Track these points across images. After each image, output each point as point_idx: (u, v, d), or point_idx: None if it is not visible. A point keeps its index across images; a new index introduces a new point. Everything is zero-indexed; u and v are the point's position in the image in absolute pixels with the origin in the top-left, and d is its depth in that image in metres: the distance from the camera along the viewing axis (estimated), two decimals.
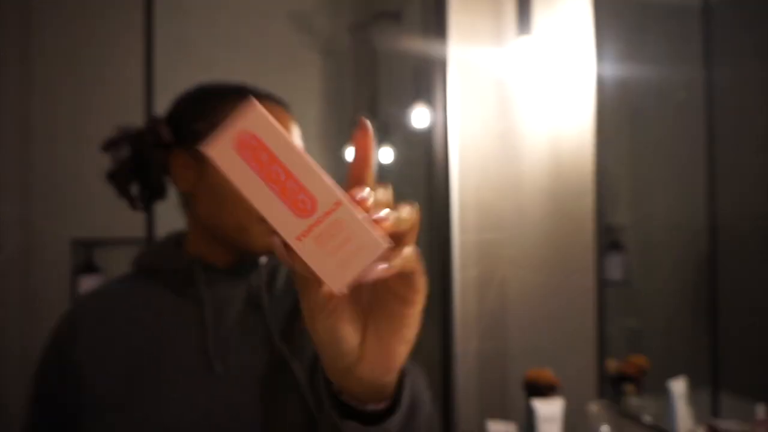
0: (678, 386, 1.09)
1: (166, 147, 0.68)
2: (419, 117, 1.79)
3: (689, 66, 1.13)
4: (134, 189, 0.71)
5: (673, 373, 1.10)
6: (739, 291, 1.05)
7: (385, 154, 2.30)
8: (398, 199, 0.36)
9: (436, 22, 1.69)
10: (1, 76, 1.71)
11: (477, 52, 1.70)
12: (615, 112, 1.31)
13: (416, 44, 1.92)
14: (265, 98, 0.67)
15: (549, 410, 1.20)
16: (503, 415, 1.71)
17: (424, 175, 1.88)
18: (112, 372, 0.62)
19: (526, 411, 1.26)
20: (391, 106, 2.27)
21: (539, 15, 1.49)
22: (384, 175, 2.36)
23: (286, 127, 0.67)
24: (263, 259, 0.71)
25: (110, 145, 0.71)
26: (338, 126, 2.36)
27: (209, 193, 0.66)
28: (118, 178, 0.71)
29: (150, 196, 0.73)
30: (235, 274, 0.69)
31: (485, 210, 1.70)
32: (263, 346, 0.66)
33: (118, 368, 0.62)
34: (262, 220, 0.54)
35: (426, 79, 1.80)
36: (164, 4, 1.52)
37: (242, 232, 0.65)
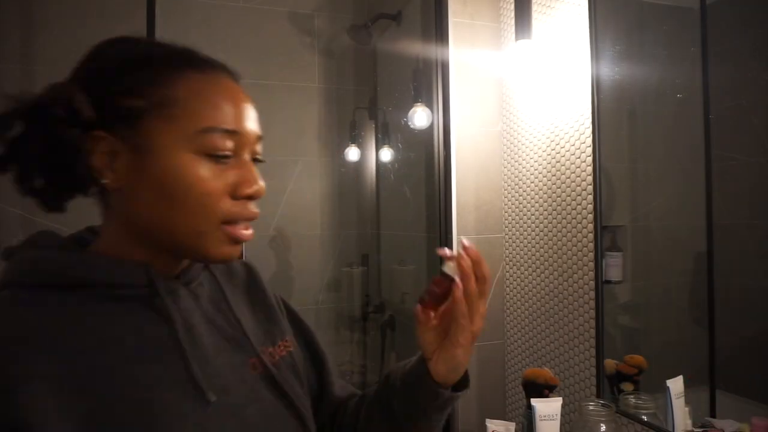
0: (676, 385, 1.09)
1: (82, 125, 0.50)
2: (419, 117, 1.80)
3: (687, 66, 1.13)
4: (38, 182, 0.52)
5: (671, 373, 1.11)
6: (737, 291, 1.05)
7: (385, 154, 2.30)
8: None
9: (435, 24, 1.70)
10: (1, 76, 1.71)
11: (476, 53, 1.70)
12: (614, 112, 1.31)
13: (416, 46, 1.92)
14: (211, 67, 0.55)
15: (548, 409, 1.21)
16: (503, 414, 1.71)
17: (424, 175, 1.88)
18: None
19: (526, 410, 1.27)
20: (391, 106, 2.28)
21: (538, 19, 1.50)
22: (384, 175, 2.37)
23: (238, 98, 0.55)
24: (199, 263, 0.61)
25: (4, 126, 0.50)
26: (338, 126, 2.37)
27: (152, 190, 0.51)
28: (17, 168, 0.51)
29: (64, 191, 0.54)
30: (186, 282, 0.59)
31: (485, 210, 1.71)
32: (242, 363, 0.59)
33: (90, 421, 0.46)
34: (226, 223, 0.53)
35: (426, 80, 1.81)
36: (164, 4, 1.52)
37: (198, 238, 0.52)
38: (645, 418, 1.16)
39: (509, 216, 1.69)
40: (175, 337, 0.53)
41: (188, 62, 0.54)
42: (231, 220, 0.53)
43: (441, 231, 1.68)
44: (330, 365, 0.77)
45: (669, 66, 1.20)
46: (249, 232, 0.55)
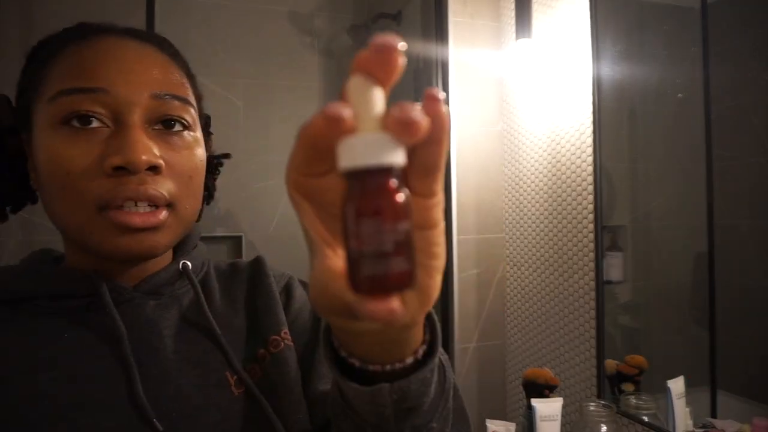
0: (677, 386, 1.09)
1: (9, 132, 0.49)
2: None
3: (687, 66, 1.13)
4: None
5: (672, 373, 1.11)
6: (738, 291, 1.05)
7: None
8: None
9: (435, 24, 1.70)
10: (0, 76, 1.71)
11: (477, 53, 1.70)
12: (614, 112, 1.31)
13: (416, 45, 1.92)
14: (96, 33, 0.48)
15: (548, 410, 1.20)
16: (503, 414, 1.71)
17: None
18: None
19: (526, 410, 1.27)
20: (391, 106, 2.27)
21: (538, 18, 1.49)
22: None
23: (117, 55, 0.46)
24: (181, 264, 0.53)
25: None
26: None
27: (36, 183, 0.47)
28: None
29: (9, 200, 0.52)
30: (148, 291, 0.50)
31: (485, 210, 1.70)
32: (216, 383, 0.49)
33: None
34: (103, 208, 0.43)
35: (426, 80, 1.80)
36: (164, 4, 1.52)
37: (81, 231, 0.45)
38: (646, 418, 1.15)
39: (509, 216, 1.69)
40: (122, 355, 0.45)
41: (70, 37, 0.48)
42: (106, 204, 0.43)
43: None
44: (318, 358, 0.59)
45: (669, 66, 1.20)
46: (138, 215, 0.44)
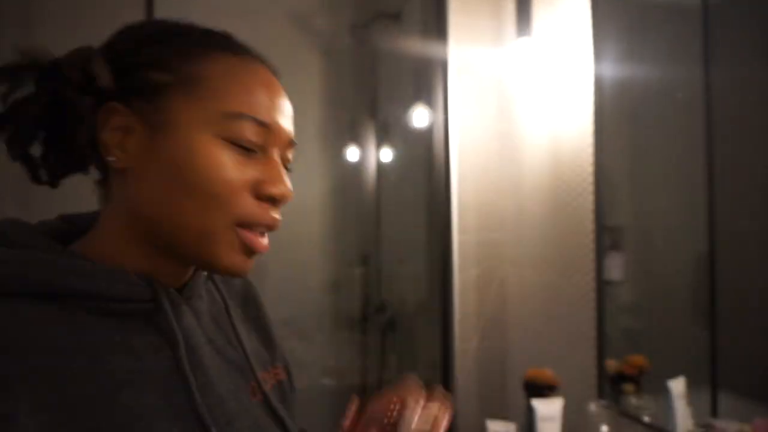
0: (677, 386, 1.09)
1: (97, 95, 0.45)
2: (419, 117, 1.80)
3: (688, 66, 1.13)
4: (36, 150, 0.47)
5: (673, 373, 1.11)
6: (738, 291, 1.05)
7: (385, 154, 2.30)
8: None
9: (435, 23, 1.70)
10: None
11: (477, 52, 1.70)
12: (614, 112, 1.31)
13: (416, 45, 1.92)
14: (248, 53, 0.50)
15: (549, 410, 1.20)
16: (503, 414, 1.71)
17: (424, 175, 1.88)
18: None
19: (526, 411, 1.27)
20: (391, 106, 2.27)
21: (539, 16, 1.49)
22: (384, 175, 2.37)
23: (276, 90, 0.50)
24: (199, 274, 0.53)
25: (4, 75, 0.45)
26: (338, 126, 2.36)
27: (165, 174, 0.45)
28: (14, 131, 0.46)
29: (63, 165, 0.48)
30: (188, 297, 0.51)
31: (485, 210, 1.70)
32: (243, 389, 0.52)
33: None
34: (241, 225, 0.45)
35: (426, 80, 1.80)
36: (164, 3, 1.52)
37: (206, 239, 0.45)
38: (646, 418, 1.15)
39: (510, 216, 1.69)
40: (178, 362, 0.46)
41: (223, 44, 0.48)
42: (247, 223, 0.46)
43: (441, 231, 1.68)
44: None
45: (670, 65, 1.20)
46: (265, 241, 0.48)
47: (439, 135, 1.70)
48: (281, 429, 0.53)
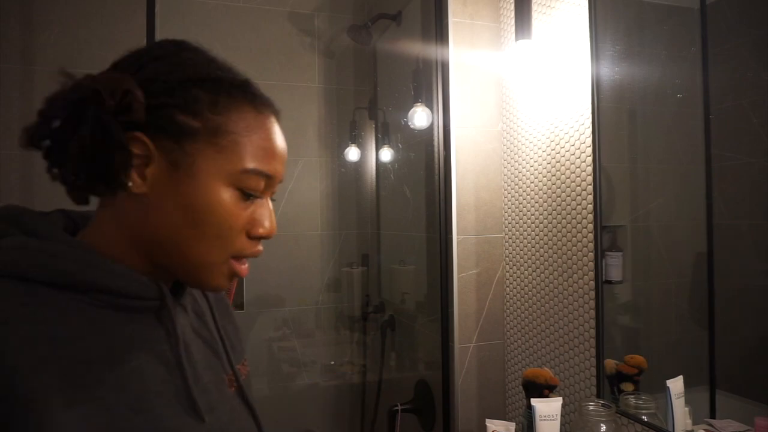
0: (676, 385, 1.09)
1: (126, 123, 0.48)
2: (419, 117, 1.80)
3: (687, 66, 1.13)
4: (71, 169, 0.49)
5: (672, 373, 1.11)
6: (737, 291, 1.05)
7: (385, 154, 2.30)
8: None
9: (435, 24, 1.70)
10: (1, 76, 1.71)
11: (476, 53, 1.70)
12: (614, 112, 1.31)
13: (416, 46, 1.92)
14: (264, 105, 0.55)
15: (548, 409, 1.21)
16: (503, 414, 1.71)
17: (424, 175, 1.88)
18: None
19: (526, 410, 1.27)
20: (391, 106, 2.28)
21: (538, 17, 1.50)
22: (384, 175, 2.37)
23: (280, 143, 0.56)
24: None
25: (54, 106, 0.48)
26: (338, 126, 2.37)
27: (180, 210, 0.50)
28: (53, 149, 0.48)
29: (92, 186, 0.50)
30: (180, 296, 0.59)
31: (485, 210, 1.71)
32: (222, 380, 0.59)
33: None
34: (233, 257, 0.53)
35: (426, 80, 1.81)
36: (164, 4, 1.53)
37: (204, 268, 0.52)
38: (645, 418, 1.16)
39: (509, 216, 1.69)
40: (176, 354, 0.53)
41: (247, 97, 0.53)
42: (239, 256, 0.54)
43: (441, 231, 1.69)
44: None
45: (669, 66, 1.20)
46: (246, 267, 0.56)
47: (439, 135, 1.71)
48: (252, 417, 0.62)
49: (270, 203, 0.56)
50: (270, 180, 0.54)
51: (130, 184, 0.49)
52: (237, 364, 0.63)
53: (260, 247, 0.55)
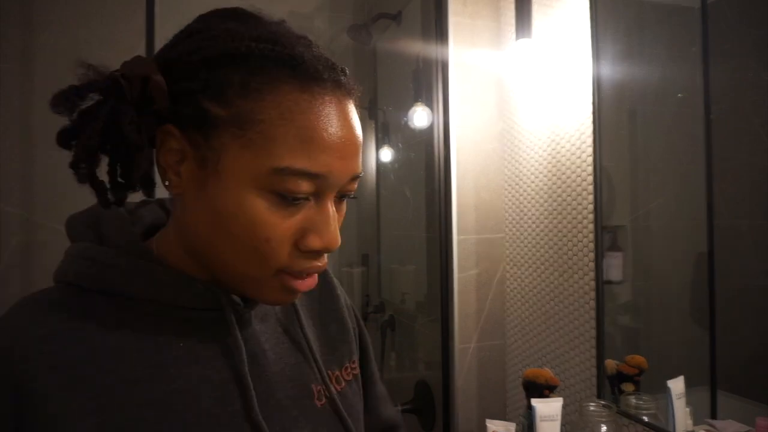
0: (677, 386, 1.09)
1: (155, 115, 0.42)
2: (419, 117, 1.80)
3: (688, 66, 1.13)
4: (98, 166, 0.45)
5: (672, 373, 1.11)
6: (738, 291, 1.05)
7: (385, 154, 2.30)
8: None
9: (435, 24, 1.70)
10: (1, 76, 1.71)
11: (476, 52, 1.70)
12: (614, 112, 1.31)
13: (416, 45, 1.92)
14: (317, 82, 0.42)
15: (548, 410, 1.21)
16: (503, 414, 1.71)
17: (424, 175, 1.88)
18: None
19: (526, 410, 1.27)
20: (391, 106, 2.28)
21: (538, 16, 1.50)
22: (384, 175, 2.37)
23: (337, 131, 0.43)
24: None
25: (70, 97, 0.42)
26: None
27: (209, 215, 0.43)
28: (80, 150, 0.42)
29: (127, 184, 0.45)
30: (254, 304, 0.51)
31: (484, 210, 1.70)
32: (306, 394, 0.51)
33: None
34: (281, 271, 0.43)
35: (426, 80, 1.80)
36: (165, 4, 1.52)
37: (249, 282, 0.45)
38: (646, 418, 1.15)
39: (509, 216, 1.69)
40: (238, 370, 0.46)
41: (290, 70, 0.41)
42: (290, 271, 0.44)
43: (441, 231, 1.68)
44: (378, 391, 0.66)
45: (669, 65, 1.20)
46: (309, 281, 0.46)
47: (439, 135, 1.70)
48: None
49: (332, 207, 0.44)
50: (321, 180, 0.42)
51: (166, 183, 0.44)
52: (337, 369, 0.56)
53: (319, 263, 0.45)
